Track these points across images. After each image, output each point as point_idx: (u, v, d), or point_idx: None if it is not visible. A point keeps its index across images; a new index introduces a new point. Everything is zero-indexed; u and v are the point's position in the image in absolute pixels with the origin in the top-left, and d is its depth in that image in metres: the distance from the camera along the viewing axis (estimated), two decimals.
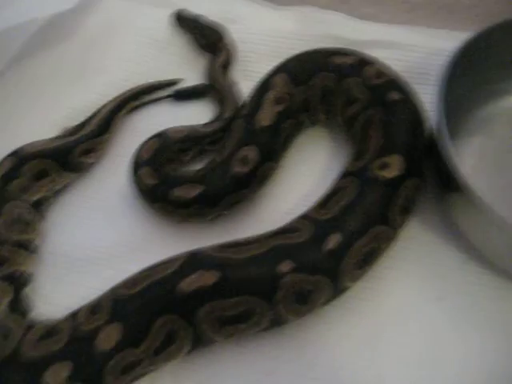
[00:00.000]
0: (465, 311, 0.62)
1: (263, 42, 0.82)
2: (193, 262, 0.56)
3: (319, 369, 0.60)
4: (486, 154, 0.71)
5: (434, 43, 0.77)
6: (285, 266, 0.54)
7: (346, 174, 0.63)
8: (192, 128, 0.71)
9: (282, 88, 0.69)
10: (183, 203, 0.64)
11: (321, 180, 0.70)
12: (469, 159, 0.70)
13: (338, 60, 0.70)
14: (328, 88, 0.70)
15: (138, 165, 0.67)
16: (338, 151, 0.73)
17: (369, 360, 0.60)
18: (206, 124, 0.72)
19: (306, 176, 0.72)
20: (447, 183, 0.62)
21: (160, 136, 0.70)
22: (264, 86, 0.70)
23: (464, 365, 0.59)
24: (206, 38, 0.80)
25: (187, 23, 0.82)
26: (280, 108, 0.68)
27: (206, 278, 0.54)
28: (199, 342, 0.57)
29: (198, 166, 0.69)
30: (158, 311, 0.54)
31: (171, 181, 0.66)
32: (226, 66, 0.78)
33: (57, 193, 0.71)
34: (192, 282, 0.54)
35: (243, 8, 0.85)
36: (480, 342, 0.60)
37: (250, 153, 0.65)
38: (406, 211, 0.61)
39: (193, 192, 0.63)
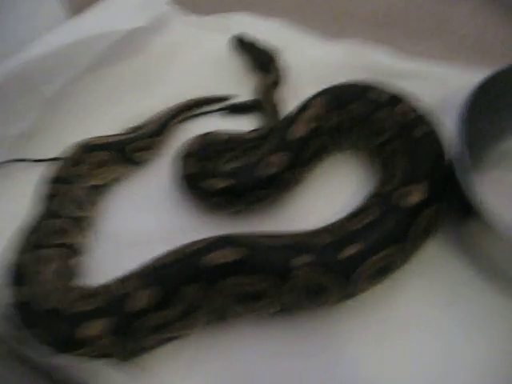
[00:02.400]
0: (474, 318, 0.66)
1: (309, 69, 0.89)
2: (221, 240, 0.63)
3: (323, 363, 0.64)
4: (504, 184, 0.75)
5: (466, 79, 0.79)
6: (302, 259, 0.60)
7: (372, 196, 0.69)
8: (235, 133, 0.80)
9: (318, 109, 0.76)
10: (213, 192, 0.72)
11: (347, 198, 0.76)
12: (488, 189, 0.72)
13: (374, 93, 0.76)
14: (360, 117, 0.76)
15: (182, 156, 0.76)
16: (366, 175, 0.78)
17: (376, 362, 0.64)
18: (246, 132, 0.81)
19: (334, 192, 0.77)
20: (466, 208, 0.66)
21: (208, 134, 0.79)
22: (303, 106, 0.77)
23: (472, 370, 0.63)
24: (259, 59, 0.89)
25: (244, 45, 0.91)
26: (312, 125, 0.75)
27: (229, 255, 0.61)
28: (219, 314, 0.63)
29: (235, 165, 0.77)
30: (185, 280, 0.60)
31: (208, 172, 0.74)
32: (275, 85, 0.86)
33: (113, 181, 0.80)
34: (217, 257, 0.61)
35: (294, 38, 0.94)
36: (487, 348, 0.64)
37: (278, 158, 0.72)
38: (426, 234, 0.66)
39: (223, 183, 0.72)
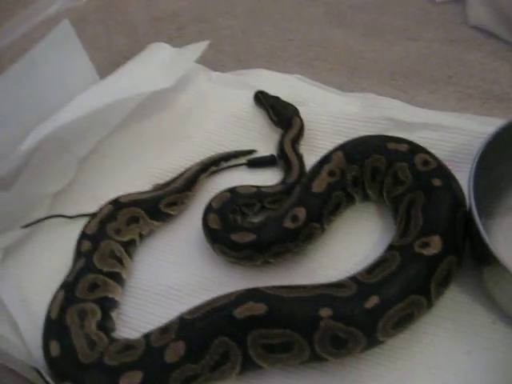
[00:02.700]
0: (491, 366, 0.67)
1: (328, 123, 0.93)
2: (248, 294, 0.67)
3: None
4: None
5: (480, 128, 0.85)
6: (324, 312, 0.63)
7: (391, 248, 0.72)
8: (258, 188, 0.84)
9: (337, 163, 0.79)
10: (237, 247, 0.76)
11: (368, 248, 0.79)
12: (504, 235, 0.76)
13: (392, 146, 0.79)
14: (378, 169, 0.79)
15: (208, 211, 0.80)
16: (385, 226, 0.81)
17: None
18: (270, 186, 0.85)
19: (354, 243, 0.80)
20: (481, 256, 0.69)
21: (231, 190, 0.83)
22: (323, 160, 0.81)
23: None
24: (280, 115, 0.94)
25: (265, 102, 0.96)
26: (332, 180, 0.78)
27: (256, 309, 0.64)
28: (248, 366, 0.66)
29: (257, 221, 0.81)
30: (215, 333, 0.64)
31: (231, 227, 0.78)
32: (296, 140, 0.90)
33: (144, 236, 0.84)
34: (244, 311, 0.64)
35: (313, 92, 0.98)
36: None
37: (300, 213, 0.76)
38: (443, 284, 0.68)
39: (246, 238, 0.75)
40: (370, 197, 0.83)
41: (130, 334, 0.73)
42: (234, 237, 0.76)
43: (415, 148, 0.79)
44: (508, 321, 0.70)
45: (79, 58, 0.97)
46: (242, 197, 0.83)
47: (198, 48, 0.97)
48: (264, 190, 0.84)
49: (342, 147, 0.82)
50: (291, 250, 0.77)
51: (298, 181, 0.84)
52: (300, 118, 0.93)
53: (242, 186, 0.84)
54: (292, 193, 0.81)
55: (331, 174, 0.79)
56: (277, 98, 0.96)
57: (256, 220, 0.82)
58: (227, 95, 1.00)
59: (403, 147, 0.79)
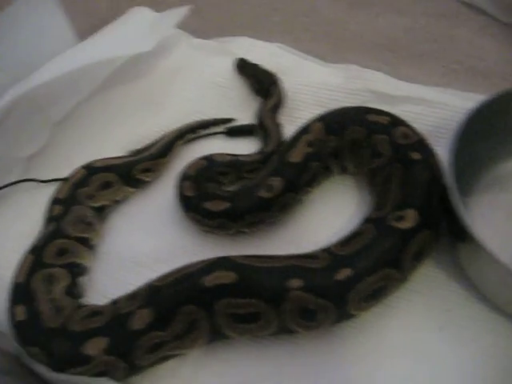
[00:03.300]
0: (463, 342, 0.67)
1: (309, 93, 0.92)
2: (218, 262, 0.66)
3: (319, 380, 0.66)
4: (498, 208, 0.76)
5: (463, 104, 0.83)
6: (294, 283, 0.62)
7: (366, 221, 0.71)
8: (235, 156, 0.82)
9: (315, 134, 0.78)
10: (210, 215, 0.75)
11: (344, 221, 0.78)
12: (481, 212, 0.75)
13: (372, 118, 0.78)
14: (357, 141, 0.78)
15: (183, 178, 0.79)
16: (363, 199, 0.80)
17: (369, 379, 0.66)
18: (248, 155, 0.83)
19: (331, 215, 0.79)
20: (457, 232, 0.68)
21: (207, 158, 0.82)
22: (302, 130, 0.80)
23: None
24: (260, 83, 0.92)
25: (245, 70, 0.94)
26: (309, 150, 0.77)
27: (225, 277, 0.63)
28: (216, 335, 0.65)
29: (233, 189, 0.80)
30: (183, 300, 0.63)
31: (205, 195, 0.77)
32: (275, 109, 0.89)
33: (117, 202, 0.83)
34: (213, 279, 0.63)
35: (295, 62, 0.96)
36: (473, 370, 0.65)
37: (276, 182, 0.74)
38: (418, 259, 0.68)
39: (220, 206, 0.74)
40: (348, 169, 0.81)
41: (99, 301, 0.71)
42: (208, 205, 0.75)
43: (396, 121, 0.78)
44: (481, 297, 0.69)
45: (57, 20, 0.94)
46: (218, 165, 0.81)
47: (179, 13, 0.94)
48: (241, 158, 0.82)
49: (321, 118, 0.80)
50: (265, 220, 0.76)
51: (275, 150, 0.82)
52: (279, 86, 0.91)
53: (218, 154, 0.83)
54: (269, 162, 0.79)
55: (309, 144, 0.77)
56: (258, 66, 0.94)
57: (232, 189, 0.80)
58: (208, 62, 0.98)
59: (384, 119, 0.78)
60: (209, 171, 0.80)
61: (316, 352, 0.68)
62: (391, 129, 0.76)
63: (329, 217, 0.79)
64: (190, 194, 0.77)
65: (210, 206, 0.75)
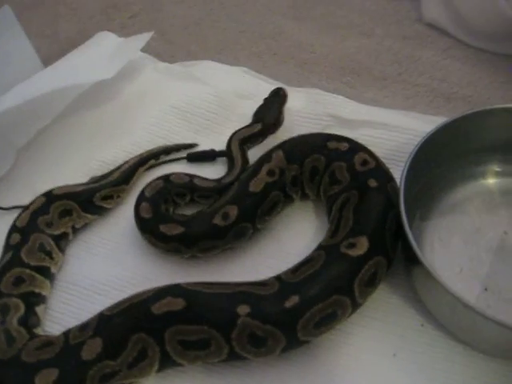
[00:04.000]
0: (418, 368, 0.67)
1: None
2: (167, 289, 0.66)
3: None
4: (456, 231, 0.76)
5: (423, 127, 0.82)
6: (242, 309, 0.62)
7: (319, 248, 0.71)
8: (191, 179, 0.83)
9: (276, 162, 0.78)
10: (165, 238, 0.75)
11: (302, 247, 0.76)
12: (439, 236, 0.76)
13: (332, 145, 0.78)
14: (317, 169, 0.78)
15: (140, 199, 0.79)
16: (322, 225, 0.79)
17: None
18: (205, 179, 0.83)
19: (290, 241, 0.79)
20: (410, 258, 0.68)
21: (164, 178, 0.82)
22: (263, 158, 0.80)
23: None
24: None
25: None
26: (270, 179, 0.77)
27: (174, 304, 0.63)
28: (166, 363, 0.65)
29: (190, 212, 0.80)
30: (133, 329, 0.63)
31: (162, 217, 0.77)
32: (246, 140, 0.86)
33: (77, 230, 0.82)
34: (162, 306, 0.63)
35: (258, 86, 0.97)
36: None
37: (232, 211, 0.74)
38: (370, 285, 0.67)
39: (174, 231, 0.74)
40: (309, 196, 0.82)
41: (57, 330, 0.71)
42: (163, 228, 0.75)
43: (356, 147, 0.78)
44: (436, 324, 0.69)
45: (21, 46, 0.95)
46: (174, 186, 0.81)
47: (143, 38, 0.95)
48: (196, 182, 0.82)
49: (282, 146, 0.81)
50: (220, 247, 0.76)
51: (234, 180, 0.82)
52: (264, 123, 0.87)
53: (175, 174, 0.83)
54: (230, 189, 0.79)
55: (270, 173, 0.77)
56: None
57: (189, 212, 0.80)
58: (172, 87, 0.98)
59: (343, 146, 0.78)
60: (166, 192, 0.80)
61: (265, 378, 0.68)
62: (351, 155, 0.76)
63: (287, 243, 0.79)
64: (146, 215, 0.77)
65: (165, 229, 0.75)
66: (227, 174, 0.84)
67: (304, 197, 0.82)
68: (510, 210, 0.78)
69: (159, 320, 0.63)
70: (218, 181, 0.83)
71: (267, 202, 0.77)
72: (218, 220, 0.74)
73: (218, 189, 0.82)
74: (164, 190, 0.80)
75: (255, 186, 0.76)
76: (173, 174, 0.83)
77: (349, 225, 0.70)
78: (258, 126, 0.87)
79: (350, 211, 0.72)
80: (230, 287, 0.66)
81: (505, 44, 1.00)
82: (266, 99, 0.90)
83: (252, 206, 0.76)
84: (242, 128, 0.87)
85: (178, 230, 0.75)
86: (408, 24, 1.08)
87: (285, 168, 0.78)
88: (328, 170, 0.77)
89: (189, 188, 0.82)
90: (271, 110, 0.88)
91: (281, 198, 0.79)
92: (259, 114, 0.89)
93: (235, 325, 0.62)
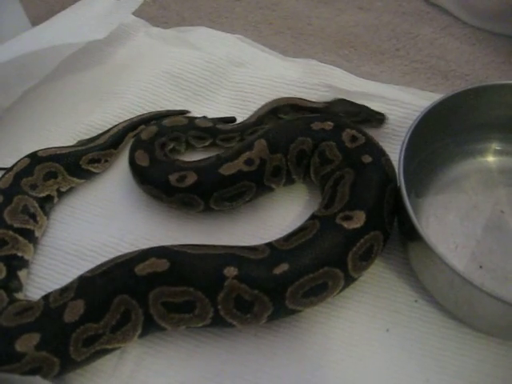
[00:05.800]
0: (410, 344, 0.66)
1: (266, 86, 0.90)
2: (152, 251, 0.64)
3: (260, 374, 0.64)
4: (452, 208, 0.76)
5: (421, 103, 0.82)
6: (229, 271, 0.60)
7: (312, 217, 0.69)
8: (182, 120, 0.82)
9: (258, 152, 0.75)
10: (174, 189, 0.73)
11: (297, 219, 0.76)
12: (435, 213, 0.75)
13: (316, 126, 0.76)
14: (304, 152, 0.76)
15: (135, 146, 0.78)
16: (315, 200, 0.78)
17: (314, 378, 0.64)
18: (201, 119, 0.83)
19: (286, 213, 0.78)
20: (407, 233, 0.67)
21: (158, 123, 0.81)
22: (245, 145, 0.76)
23: None
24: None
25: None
26: (245, 169, 0.74)
27: (158, 265, 0.61)
28: (150, 327, 0.63)
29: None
30: (115, 290, 0.61)
31: (163, 167, 0.76)
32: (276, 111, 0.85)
33: (62, 193, 0.80)
34: (146, 267, 0.61)
35: (253, 54, 0.95)
36: (419, 372, 0.64)
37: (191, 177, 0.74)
38: (365, 259, 0.66)
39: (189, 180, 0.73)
40: (295, 180, 0.79)
41: (39, 296, 0.67)
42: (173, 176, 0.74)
43: (340, 124, 0.76)
44: (430, 299, 0.69)
45: (12, 5, 0.91)
46: (171, 129, 0.81)
47: (136, 1, 0.92)
48: (196, 122, 0.83)
49: (265, 134, 0.77)
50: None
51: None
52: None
53: (170, 118, 0.84)
54: (207, 158, 0.78)
55: (248, 162, 0.74)
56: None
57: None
58: (164, 52, 0.95)
59: (328, 125, 0.76)
60: (162, 136, 0.80)
61: (257, 350, 0.66)
62: (337, 133, 0.75)
63: (283, 214, 0.78)
64: (144, 164, 0.76)
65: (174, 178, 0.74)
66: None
67: (289, 182, 0.79)
68: (507, 189, 0.77)
69: (143, 281, 0.61)
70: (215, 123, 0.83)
71: (232, 188, 0.74)
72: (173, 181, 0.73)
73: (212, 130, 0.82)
74: (160, 133, 0.80)
75: (227, 169, 0.74)
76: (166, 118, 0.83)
77: (345, 199, 0.68)
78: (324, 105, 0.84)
79: (346, 187, 0.70)
80: (216, 249, 0.65)
81: (504, 24, 0.99)
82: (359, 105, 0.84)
83: (213, 186, 0.74)
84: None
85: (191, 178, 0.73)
86: (407, 0, 1.06)
87: (266, 158, 0.75)
88: (317, 150, 0.75)
89: (182, 129, 0.82)
90: (352, 107, 0.84)
91: (252, 189, 0.76)
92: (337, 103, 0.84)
93: (221, 287, 0.60)
